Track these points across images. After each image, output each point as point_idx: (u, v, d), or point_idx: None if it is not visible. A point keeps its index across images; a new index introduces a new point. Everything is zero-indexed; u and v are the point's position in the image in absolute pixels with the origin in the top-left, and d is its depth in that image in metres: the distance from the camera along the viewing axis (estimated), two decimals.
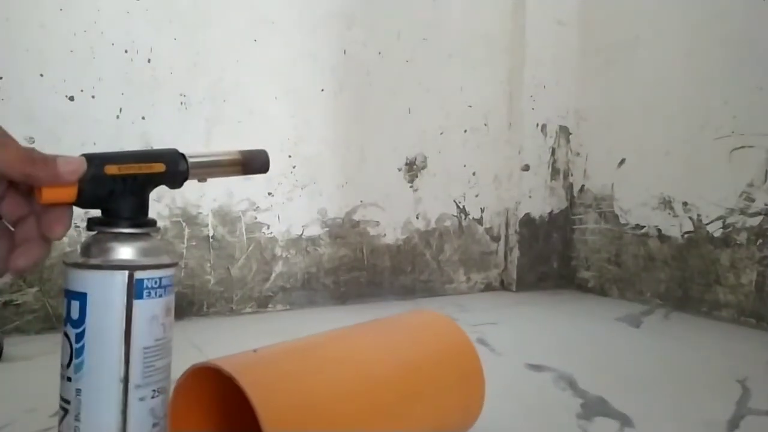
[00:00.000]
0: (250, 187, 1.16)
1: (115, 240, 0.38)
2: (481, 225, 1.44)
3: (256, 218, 1.17)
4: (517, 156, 1.44)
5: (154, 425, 0.39)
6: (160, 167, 0.40)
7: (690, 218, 1.21)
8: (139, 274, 0.37)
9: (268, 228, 1.19)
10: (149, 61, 1.06)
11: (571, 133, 1.48)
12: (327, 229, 1.24)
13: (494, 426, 0.61)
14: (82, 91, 1.01)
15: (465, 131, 1.40)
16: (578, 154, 1.48)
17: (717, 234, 1.16)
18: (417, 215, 1.35)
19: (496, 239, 1.46)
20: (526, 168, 1.44)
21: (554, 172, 1.48)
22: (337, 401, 0.44)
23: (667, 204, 1.26)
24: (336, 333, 0.53)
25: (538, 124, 1.45)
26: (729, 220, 1.14)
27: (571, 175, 1.49)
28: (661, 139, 1.27)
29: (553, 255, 1.49)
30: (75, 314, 0.38)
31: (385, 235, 1.31)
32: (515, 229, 1.45)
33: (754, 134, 1.10)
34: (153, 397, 0.38)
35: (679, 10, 1.24)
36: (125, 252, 0.38)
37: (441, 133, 1.36)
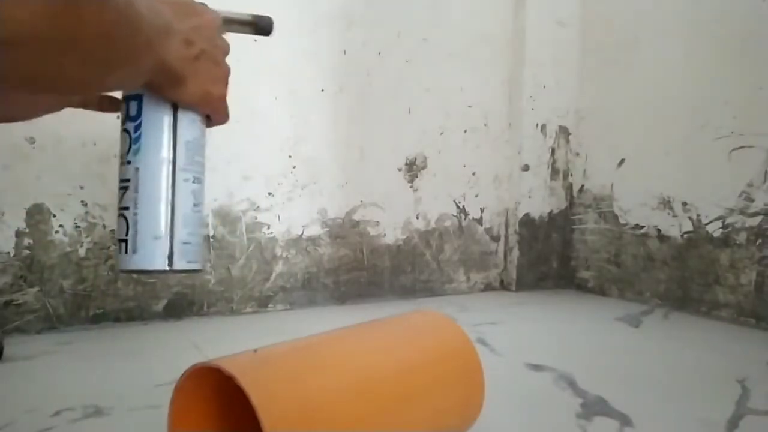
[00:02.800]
0: (250, 187, 1.16)
1: None
2: (481, 225, 1.44)
3: (256, 218, 1.17)
4: (517, 156, 1.44)
5: (195, 205, 0.49)
6: None
7: (689, 218, 1.21)
8: None
9: (269, 228, 1.19)
10: None
11: (570, 133, 1.48)
12: (327, 229, 1.24)
13: (494, 426, 0.61)
14: None
15: (465, 131, 1.40)
16: (578, 154, 1.48)
17: (716, 234, 1.16)
18: (417, 215, 1.35)
19: (495, 239, 1.46)
20: (526, 168, 1.44)
21: (554, 172, 1.48)
22: (337, 401, 0.44)
23: (666, 204, 1.26)
24: (336, 333, 0.53)
25: (537, 124, 1.45)
26: (728, 220, 1.14)
27: (571, 175, 1.49)
28: (661, 139, 1.27)
29: (553, 255, 1.49)
30: (133, 111, 0.47)
31: (385, 235, 1.31)
32: (515, 229, 1.45)
33: (753, 134, 1.10)
34: (193, 182, 0.49)
35: (679, 10, 1.24)
36: None
37: (441, 133, 1.36)
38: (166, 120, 0.47)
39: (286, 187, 1.20)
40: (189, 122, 0.49)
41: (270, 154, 1.18)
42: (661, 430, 0.63)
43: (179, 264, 0.47)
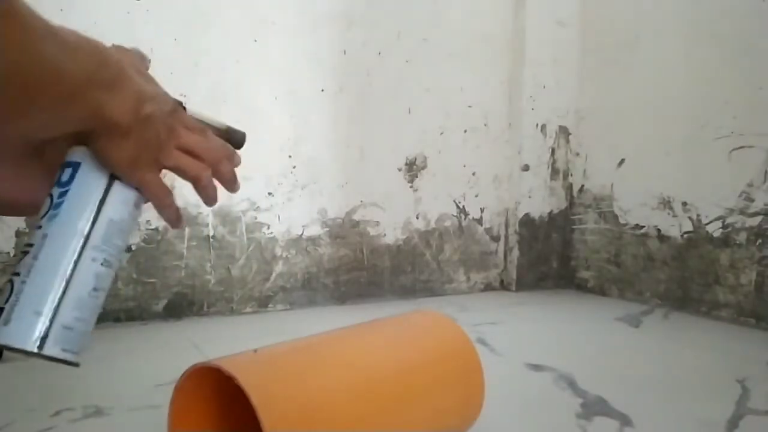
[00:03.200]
0: (250, 187, 1.16)
1: None
2: (481, 225, 1.44)
3: (256, 218, 1.17)
4: (517, 156, 1.44)
5: (95, 289, 0.44)
6: None
7: (689, 218, 1.21)
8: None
9: (269, 228, 1.19)
10: (149, 61, 1.06)
11: (570, 134, 1.48)
12: (327, 229, 1.24)
13: (494, 426, 0.61)
14: None
15: (465, 131, 1.40)
16: (578, 154, 1.48)
17: (716, 234, 1.16)
18: (417, 215, 1.35)
19: (495, 239, 1.46)
20: (526, 168, 1.44)
21: (554, 172, 1.48)
22: (337, 401, 0.44)
23: (666, 204, 1.26)
24: (336, 333, 0.53)
25: (537, 124, 1.45)
26: (728, 220, 1.14)
27: (571, 175, 1.49)
28: (661, 139, 1.27)
29: (553, 255, 1.49)
30: (65, 177, 0.44)
31: (385, 235, 1.31)
32: (515, 229, 1.45)
33: (753, 134, 1.10)
34: (102, 264, 0.44)
35: (679, 10, 1.24)
36: None
37: (441, 133, 1.36)
38: (95, 193, 0.44)
39: (286, 187, 1.20)
40: (120, 201, 0.45)
41: (270, 154, 1.18)
42: (661, 430, 0.63)
43: (51, 350, 0.41)
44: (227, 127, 0.56)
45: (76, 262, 0.43)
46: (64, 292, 0.42)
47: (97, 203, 0.44)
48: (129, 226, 0.46)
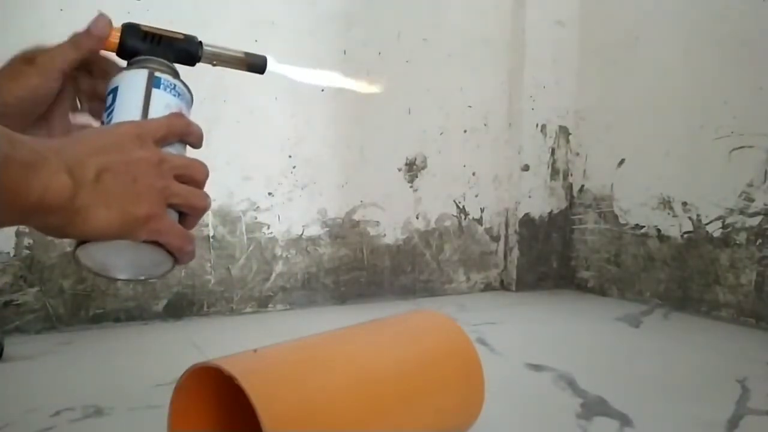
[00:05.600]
0: (250, 187, 1.16)
1: (144, 61, 0.49)
2: (481, 225, 1.44)
3: (256, 218, 1.17)
4: (517, 156, 1.44)
5: None
6: (180, 35, 0.52)
7: (689, 218, 1.21)
8: (158, 73, 0.47)
9: (269, 228, 1.19)
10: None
11: (570, 134, 1.48)
12: (327, 229, 1.24)
13: (494, 426, 0.61)
14: None
15: (465, 131, 1.40)
16: (578, 154, 1.48)
17: (716, 234, 1.16)
18: (417, 215, 1.35)
19: (495, 239, 1.46)
20: (526, 168, 1.44)
21: (554, 172, 1.48)
22: (337, 401, 0.44)
23: (666, 204, 1.26)
24: (336, 333, 0.53)
25: (537, 125, 1.45)
26: (728, 220, 1.14)
27: (571, 175, 1.49)
28: (661, 139, 1.27)
29: (553, 255, 1.49)
30: (108, 102, 0.45)
31: (385, 235, 1.31)
32: (515, 229, 1.45)
33: (753, 134, 1.10)
34: None
35: (678, 10, 1.24)
36: (150, 63, 0.48)
37: (441, 133, 1.36)
38: (138, 105, 0.45)
39: (286, 187, 1.20)
40: (162, 107, 0.46)
41: (270, 154, 1.18)
42: (661, 430, 0.63)
43: None
44: (245, 54, 0.55)
45: None
46: None
47: (142, 112, 0.45)
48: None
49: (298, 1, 1.19)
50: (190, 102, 0.50)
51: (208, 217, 1.13)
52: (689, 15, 1.22)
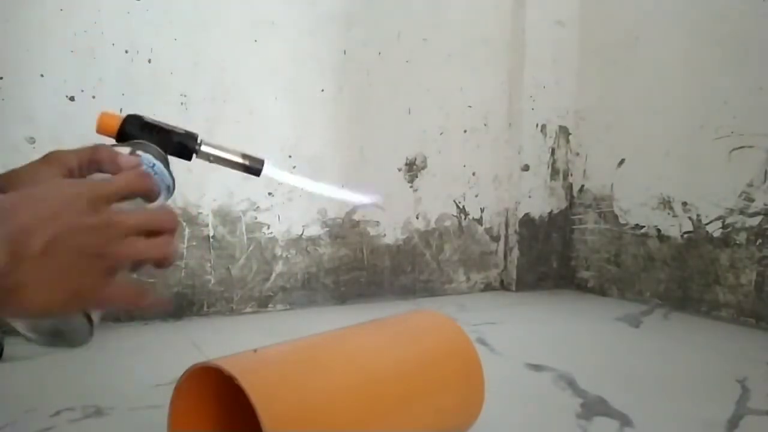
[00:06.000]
0: (250, 187, 1.16)
1: (134, 143, 0.53)
2: (481, 225, 1.44)
3: (256, 218, 1.17)
4: (517, 156, 1.44)
5: None
6: (180, 130, 0.56)
7: (689, 218, 1.21)
8: (139, 150, 0.51)
9: (269, 228, 1.19)
10: (150, 61, 1.06)
11: (570, 134, 1.48)
12: (327, 229, 1.24)
13: (494, 426, 0.61)
14: (82, 91, 1.01)
15: (465, 131, 1.40)
16: (578, 154, 1.48)
17: (716, 234, 1.16)
18: (417, 215, 1.35)
19: (495, 239, 1.46)
20: (526, 168, 1.44)
21: (554, 172, 1.48)
22: (337, 401, 0.44)
23: (666, 204, 1.26)
24: (336, 333, 0.53)
25: (537, 125, 1.45)
26: (728, 220, 1.14)
27: (571, 175, 1.49)
28: (661, 139, 1.27)
29: (553, 255, 1.49)
30: None
31: (385, 235, 1.31)
32: (515, 229, 1.45)
33: (753, 134, 1.10)
34: None
35: (678, 10, 1.24)
36: (137, 144, 0.52)
37: (441, 133, 1.36)
38: None
39: (286, 187, 1.20)
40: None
41: (270, 154, 1.18)
42: (661, 430, 0.63)
43: None
44: (243, 156, 0.59)
45: None
46: None
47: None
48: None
49: (298, 1, 1.19)
50: (169, 188, 0.53)
51: (208, 218, 1.13)
52: (689, 15, 1.22)
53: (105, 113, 0.55)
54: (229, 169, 1.19)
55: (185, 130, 0.56)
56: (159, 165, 0.51)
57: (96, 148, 0.48)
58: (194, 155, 0.56)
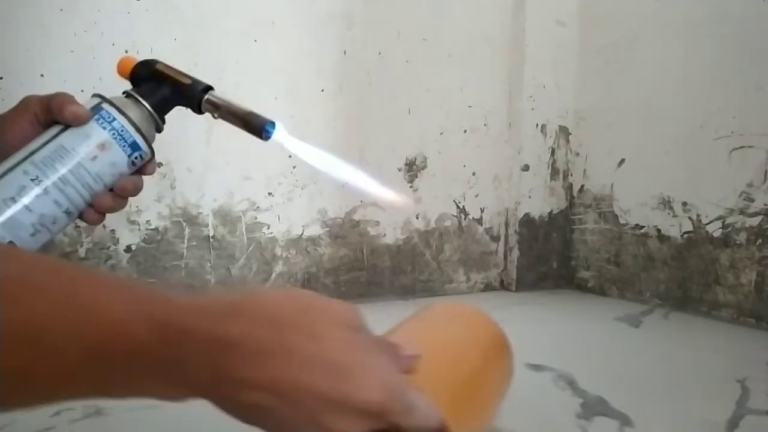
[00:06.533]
0: (250, 187, 1.16)
1: (122, 98, 0.52)
2: (481, 225, 1.44)
3: (256, 218, 1.17)
4: (517, 156, 1.44)
5: (12, 199, 0.45)
6: (187, 80, 0.54)
7: (689, 218, 1.21)
8: (104, 105, 0.50)
9: (269, 228, 1.19)
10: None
11: (570, 134, 1.48)
12: (327, 229, 1.24)
13: (494, 426, 0.61)
14: (82, 91, 1.00)
15: (465, 131, 1.40)
16: (578, 154, 1.48)
17: (716, 234, 1.16)
18: (417, 215, 1.35)
19: (495, 239, 1.46)
20: (526, 168, 1.44)
21: (554, 172, 1.48)
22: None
23: (666, 204, 1.26)
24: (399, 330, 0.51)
25: (537, 124, 1.45)
26: (728, 220, 1.14)
27: (571, 175, 1.49)
28: (661, 139, 1.27)
29: (553, 255, 1.49)
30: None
31: (385, 235, 1.31)
32: (515, 229, 1.45)
33: (754, 134, 1.10)
34: (32, 180, 0.45)
35: (679, 10, 1.24)
36: (116, 99, 0.51)
37: (441, 133, 1.36)
38: (55, 128, 0.49)
39: (286, 187, 1.20)
40: (77, 135, 0.48)
41: (270, 154, 1.18)
42: (661, 430, 0.63)
43: None
44: (250, 112, 0.54)
45: (8, 170, 0.45)
46: None
47: (58, 130, 0.48)
48: (84, 161, 0.47)
49: (298, 1, 1.19)
50: (135, 145, 0.50)
51: (208, 218, 1.13)
52: (689, 15, 1.22)
53: (125, 57, 0.55)
54: (231, 170, 1.19)
55: (194, 79, 0.54)
56: (122, 123, 0.49)
57: (55, 96, 0.49)
58: (199, 105, 0.54)
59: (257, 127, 0.54)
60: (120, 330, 0.28)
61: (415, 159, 1.34)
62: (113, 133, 0.49)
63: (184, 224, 1.11)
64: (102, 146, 0.48)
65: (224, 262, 1.15)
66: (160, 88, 0.53)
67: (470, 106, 1.40)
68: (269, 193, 1.18)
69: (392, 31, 1.29)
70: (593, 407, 0.68)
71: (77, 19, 1.00)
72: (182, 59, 1.08)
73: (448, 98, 1.37)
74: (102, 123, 0.49)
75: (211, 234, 1.13)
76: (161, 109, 0.53)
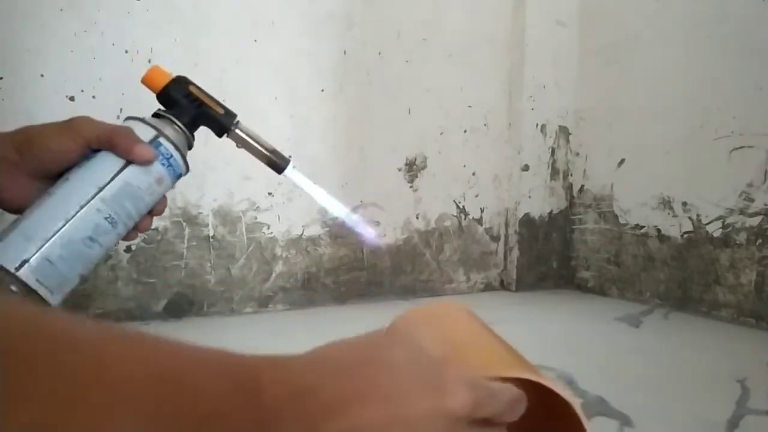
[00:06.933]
0: (250, 187, 1.16)
1: (163, 122, 0.53)
2: (481, 225, 1.44)
3: (256, 218, 1.17)
4: (517, 156, 1.44)
5: (90, 238, 0.47)
6: (220, 109, 0.56)
7: (689, 218, 1.21)
8: (162, 140, 0.51)
9: (269, 228, 1.19)
10: (150, 61, 1.06)
11: (570, 134, 1.48)
12: (327, 229, 1.24)
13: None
14: (82, 91, 1.01)
15: (465, 131, 1.40)
16: (578, 154, 1.48)
17: (716, 234, 1.16)
18: (417, 215, 1.35)
19: (495, 239, 1.46)
20: (526, 168, 1.44)
21: (554, 172, 1.48)
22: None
23: (666, 204, 1.26)
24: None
25: (537, 124, 1.45)
26: (728, 220, 1.14)
27: (571, 175, 1.49)
28: (661, 139, 1.27)
29: (553, 255, 1.49)
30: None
31: (385, 235, 1.31)
32: (515, 229, 1.45)
33: (753, 134, 1.10)
34: (105, 218, 0.47)
35: (679, 10, 1.24)
36: (161, 125, 0.52)
37: (441, 133, 1.36)
38: (116, 161, 0.49)
39: (286, 187, 1.20)
40: (142, 171, 0.49)
41: None
42: (661, 430, 0.63)
43: (27, 276, 0.43)
44: (272, 151, 0.59)
45: (81, 206, 0.46)
46: (59, 229, 0.45)
47: (121, 164, 0.48)
48: (144, 195, 0.50)
49: (298, 1, 1.19)
50: (180, 176, 0.54)
51: (209, 218, 1.13)
52: (689, 15, 1.22)
53: (157, 67, 0.55)
54: (231, 170, 1.19)
55: (226, 109, 0.56)
56: (175, 157, 0.52)
57: (117, 131, 0.49)
58: (225, 134, 0.57)
59: (278, 167, 0.59)
60: (217, 406, 0.26)
61: (415, 159, 1.34)
62: (169, 170, 0.52)
63: (184, 224, 1.11)
64: (159, 181, 0.51)
65: (224, 262, 1.15)
66: (192, 111, 0.55)
67: (470, 106, 1.40)
68: (269, 193, 1.18)
69: (392, 31, 1.29)
70: (593, 407, 0.68)
71: (77, 19, 1.00)
72: (182, 59, 1.08)
73: (448, 98, 1.37)
74: (162, 161, 0.51)
75: (211, 234, 1.13)
76: (192, 131, 0.56)
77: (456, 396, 0.29)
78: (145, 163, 0.49)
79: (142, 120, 0.52)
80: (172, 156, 0.51)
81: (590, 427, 0.63)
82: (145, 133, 0.50)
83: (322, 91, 1.22)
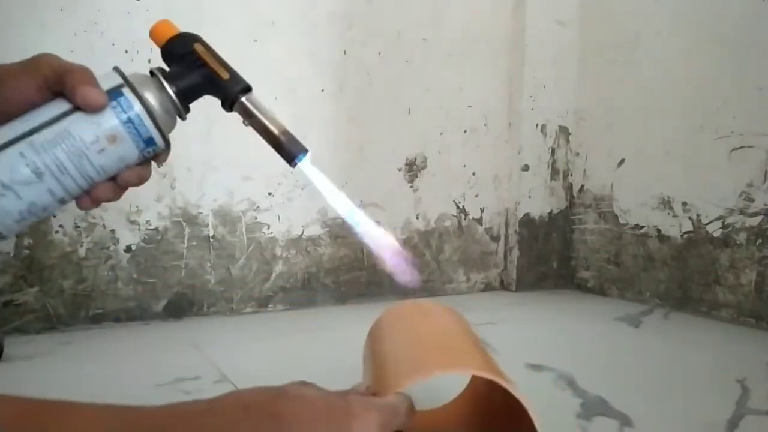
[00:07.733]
0: (250, 187, 1.16)
1: (147, 79, 0.45)
2: (481, 225, 1.44)
3: (256, 218, 1.17)
4: (517, 156, 1.44)
5: (2, 185, 0.40)
6: (224, 74, 0.48)
7: (689, 218, 1.21)
8: (125, 91, 0.42)
9: (269, 228, 1.19)
10: (150, 61, 1.06)
11: (570, 134, 1.48)
12: (327, 229, 1.24)
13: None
14: None
15: (465, 131, 1.40)
16: (578, 154, 1.48)
17: (716, 234, 1.16)
18: (417, 215, 1.35)
19: (495, 239, 1.46)
20: (526, 168, 1.44)
21: (554, 172, 1.48)
22: None
23: (666, 204, 1.26)
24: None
25: (537, 124, 1.45)
26: (728, 220, 1.14)
27: (571, 175, 1.49)
28: (661, 139, 1.27)
29: (553, 255, 1.49)
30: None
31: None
32: (515, 229, 1.45)
33: (753, 134, 1.10)
34: (28, 166, 0.40)
35: (679, 10, 1.24)
36: (139, 80, 0.44)
37: (441, 133, 1.36)
38: (63, 105, 0.42)
39: (286, 187, 1.20)
40: (87, 122, 0.41)
41: (270, 154, 1.17)
42: (661, 430, 0.63)
43: None
44: (284, 132, 0.51)
45: (4, 145, 0.40)
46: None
47: (66, 108, 0.42)
48: (89, 153, 0.42)
49: (298, 1, 1.19)
50: (150, 141, 0.45)
51: (208, 218, 1.13)
52: (689, 15, 1.22)
53: (165, 21, 0.48)
54: (231, 170, 1.19)
55: (234, 75, 0.48)
56: (142, 117, 0.43)
57: (71, 69, 0.43)
58: (231, 105, 0.49)
59: (289, 153, 0.51)
60: None
61: (415, 159, 1.34)
62: (128, 126, 0.42)
63: (184, 224, 1.11)
64: (113, 138, 0.42)
65: (224, 262, 1.15)
66: (192, 73, 0.47)
67: (470, 106, 1.40)
68: (269, 193, 1.18)
69: (392, 31, 1.29)
70: (593, 407, 0.68)
71: (77, 19, 1.00)
72: None
73: (448, 98, 1.37)
74: (118, 111, 0.42)
75: (211, 234, 1.13)
76: (188, 96, 0.47)
77: (364, 421, 0.31)
78: (90, 107, 0.41)
79: (117, 68, 0.44)
80: (137, 114, 0.42)
81: (590, 427, 0.63)
82: (109, 80, 0.43)
83: (322, 90, 1.22)
